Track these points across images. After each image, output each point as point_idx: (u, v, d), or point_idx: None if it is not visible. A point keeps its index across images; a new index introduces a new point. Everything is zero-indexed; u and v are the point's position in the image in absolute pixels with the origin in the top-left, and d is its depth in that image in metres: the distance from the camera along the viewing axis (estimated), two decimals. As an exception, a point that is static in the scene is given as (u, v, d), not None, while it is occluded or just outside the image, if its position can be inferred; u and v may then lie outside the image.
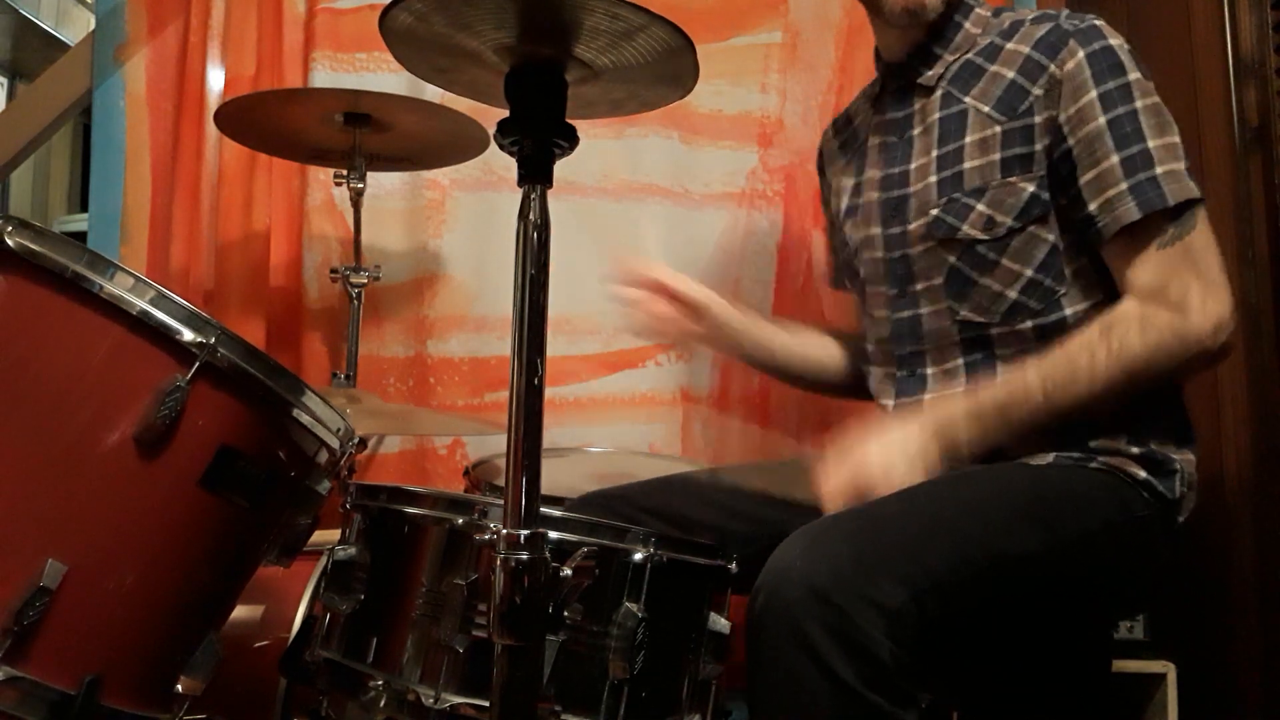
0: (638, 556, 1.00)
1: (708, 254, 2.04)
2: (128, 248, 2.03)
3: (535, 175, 0.89)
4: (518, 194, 0.89)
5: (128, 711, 1.03)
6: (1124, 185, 1.18)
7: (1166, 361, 1.16)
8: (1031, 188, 1.23)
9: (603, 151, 2.02)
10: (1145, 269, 1.18)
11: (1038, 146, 1.23)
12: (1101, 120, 1.19)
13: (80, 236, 2.02)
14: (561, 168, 0.90)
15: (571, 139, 0.90)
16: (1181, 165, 1.19)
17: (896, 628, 0.95)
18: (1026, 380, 1.18)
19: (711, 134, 2.06)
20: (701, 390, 2.02)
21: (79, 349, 1.02)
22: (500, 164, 1.99)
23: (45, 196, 3.77)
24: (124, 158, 2.05)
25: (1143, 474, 1.20)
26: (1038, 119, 1.23)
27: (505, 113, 0.90)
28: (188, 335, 1.02)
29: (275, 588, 1.40)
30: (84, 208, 2.62)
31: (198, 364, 1.01)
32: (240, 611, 1.22)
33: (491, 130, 0.91)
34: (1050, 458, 1.22)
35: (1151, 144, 1.18)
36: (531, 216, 0.88)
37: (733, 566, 1.09)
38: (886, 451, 1.16)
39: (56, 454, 1.00)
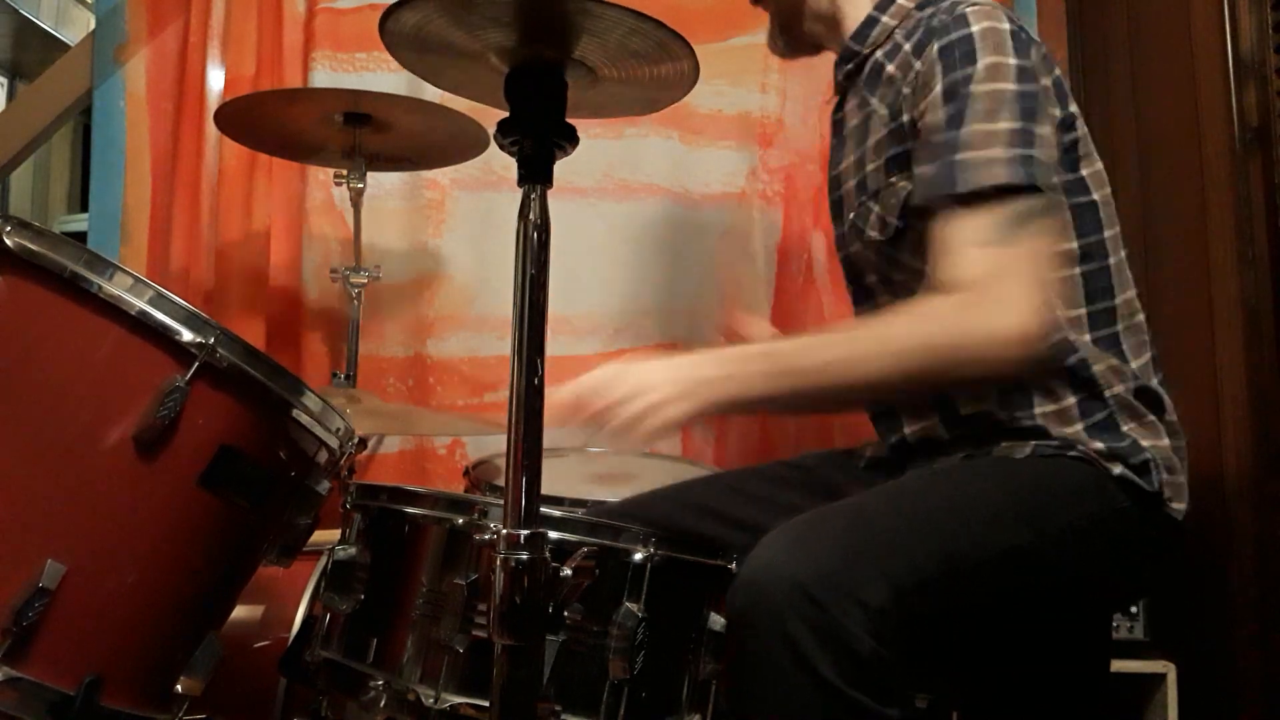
0: (637, 556, 1.00)
1: (708, 254, 2.04)
2: (128, 248, 2.03)
3: (535, 175, 0.89)
4: (518, 194, 0.89)
5: (127, 712, 1.03)
6: (929, 169, 1.14)
7: (970, 347, 1.08)
8: (909, 185, 1.21)
9: (603, 151, 2.02)
10: (960, 261, 1.11)
11: (910, 144, 1.22)
12: (940, 115, 1.15)
13: (80, 236, 2.02)
14: (561, 168, 0.90)
15: (571, 139, 0.90)
16: (1000, 152, 1.11)
17: (879, 625, 0.94)
18: (806, 335, 1.18)
19: (711, 134, 2.06)
20: (701, 390, 2.02)
21: (78, 349, 1.02)
22: (500, 164, 1.99)
23: (45, 196, 3.77)
24: (124, 158, 2.05)
25: (1118, 469, 1.17)
26: (905, 119, 1.22)
27: (505, 112, 0.90)
28: (187, 335, 1.01)
29: (275, 588, 1.40)
30: (84, 208, 2.62)
31: (197, 364, 1.01)
32: (240, 611, 1.22)
33: (491, 130, 0.91)
34: (1029, 448, 1.19)
35: (969, 129, 1.12)
36: (531, 216, 0.88)
37: (733, 566, 1.09)
38: (630, 373, 1.08)
39: (56, 454, 1.00)
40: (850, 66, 1.34)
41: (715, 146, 2.06)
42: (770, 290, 2.03)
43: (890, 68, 1.27)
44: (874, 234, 1.27)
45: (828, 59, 1.39)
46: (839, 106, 1.40)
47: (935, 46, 1.18)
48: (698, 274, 2.03)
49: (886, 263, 1.28)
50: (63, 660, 0.98)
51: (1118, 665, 1.60)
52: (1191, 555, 1.36)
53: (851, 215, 1.31)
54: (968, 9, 1.18)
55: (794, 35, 1.42)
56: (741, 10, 2.05)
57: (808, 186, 2.04)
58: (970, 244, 1.10)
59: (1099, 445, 1.18)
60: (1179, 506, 1.20)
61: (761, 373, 1.10)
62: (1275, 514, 1.64)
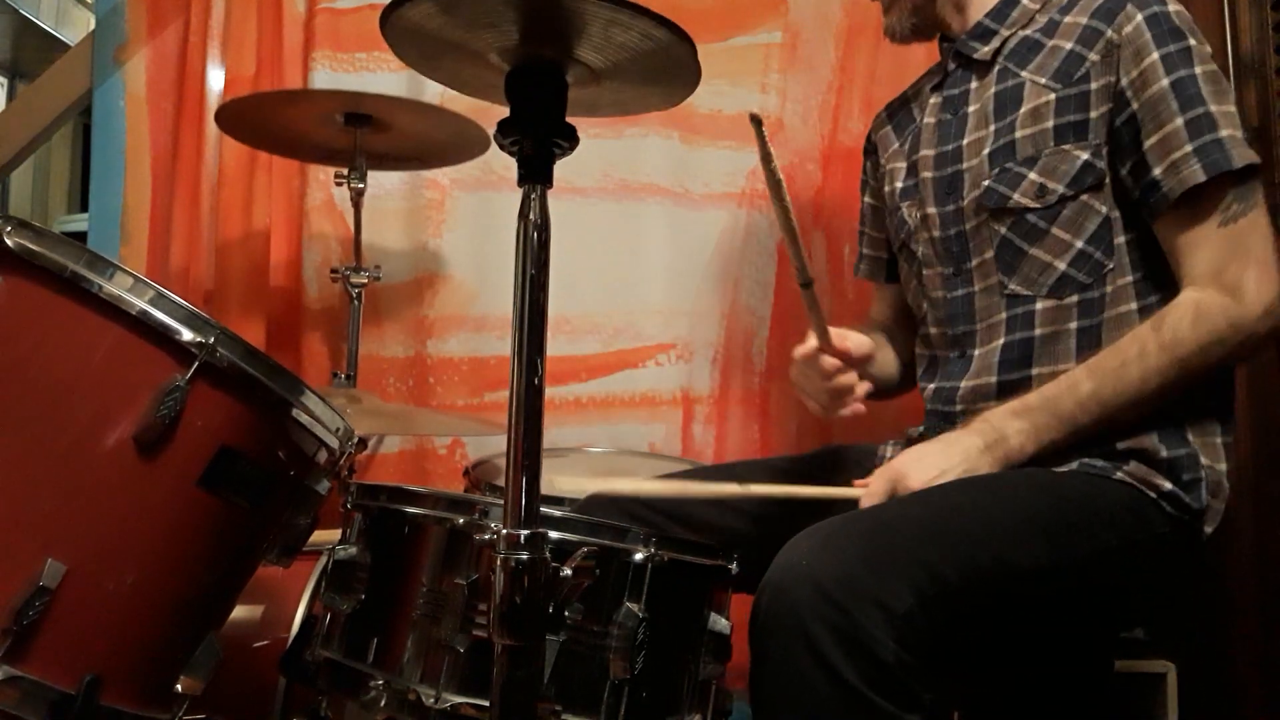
0: (638, 556, 1.00)
1: (708, 254, 2.04)
2: (128, 248, 2.03)
3: (535, 175, 0.89)
4: (518, 194, 0.88)
5: (127, 711, 1.03)
6: (1189, 147, 1.16)
7: (1219, 350, 1.14)
8: (1085, 155, 1.21)
9: (603, 151, 2.02)
10: (1203, 251, 1.16)
11: (1093, 114, 1.22)
12: (1165, 82, 1.17)
13: (80, 236, 2.02)
14: (561, 168, 0.90)
15: (571, 139, 0.90)
16: (1240, 133, 1.17)
17: (902, 631, 0.94)
18: (1073, 373, 1.18)
19: (711, 134, 2.05)
20: (701, 390, 2.02)
21: (79, 349, 1.02)
22: (500, 164, 1.99)
23: (45, 196, 3.77)
24: (124, 158, 2.05)
25: (1167, 485, 1.17)
26: (1094, 85, 1.22)
27: (505, 111, 0.90)
28: (187, 335, 1.01)
29: (275, 588, 1.40)
30: (84, 208, 2.62)
31: (197, 364, 1.01)
32: (240, 611, 1.22)
33: (491, 130, 0.91)
34: (1074, 464, 1.19)
35: (1213, 108, 1.16)
36: (531, 216, 0.88)
37: (733, 567, 1.08)
38: (926, 459, 1.17)
39: (56, 454, 1.00)
40: (986, 46, 1.35)
41: (715, 146, 2.05)
42: (770, 290, 2.03)
43: (1053, 41, 1.28)
44: (1026, 201, 1.24)
45: (827, 59, 1.39)
46: (949, 84, 1.40)
47: (1139, 15, 1.20)
48: (698, 274, 2.03)
49: (1025, 236, 1.25)
50: (63, 659, 0.98)
51: (1118, 665, 1.59)
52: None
53: (986, 183, 1.28)
54: None
55: (926, 18, 1.43)
56: (741, 10, 2.07)
57: (808, 186, 2.04)
58: (1225, 230, 1.16)
59: (1164, 454, 1.17)
60: (1208, 529, 1.20)
61: (1022, 431, 1.17)
62: (1275, 514, 1.64)
